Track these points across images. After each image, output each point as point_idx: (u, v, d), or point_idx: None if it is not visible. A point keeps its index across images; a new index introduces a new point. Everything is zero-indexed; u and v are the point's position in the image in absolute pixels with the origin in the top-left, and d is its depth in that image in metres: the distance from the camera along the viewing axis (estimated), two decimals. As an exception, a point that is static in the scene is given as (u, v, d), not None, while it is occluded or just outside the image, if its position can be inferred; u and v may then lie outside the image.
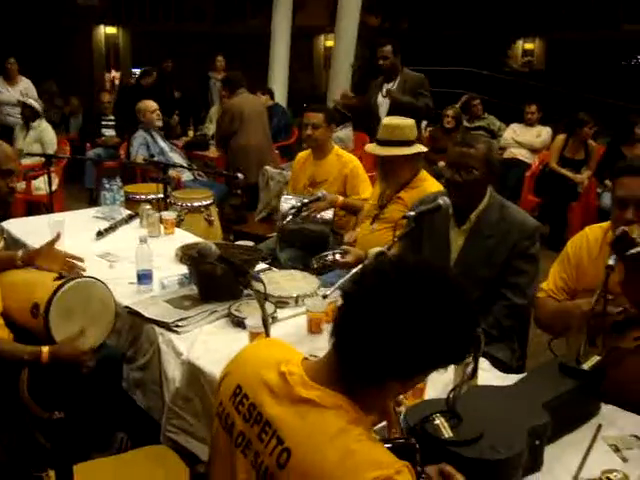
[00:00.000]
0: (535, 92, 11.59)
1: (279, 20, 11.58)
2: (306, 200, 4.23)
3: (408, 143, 3.73)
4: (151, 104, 6.86)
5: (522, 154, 8.03)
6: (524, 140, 8.11)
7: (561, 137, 7.45)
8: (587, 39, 19.10)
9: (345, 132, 6.83)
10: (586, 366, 2.26)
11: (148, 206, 4.41)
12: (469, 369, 1.89)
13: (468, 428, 1.87)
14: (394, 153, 3.70)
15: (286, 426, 1.46)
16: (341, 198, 4.48)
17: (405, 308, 1.39)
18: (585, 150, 7.31)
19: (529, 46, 20.70)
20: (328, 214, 4.45)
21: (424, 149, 3.80)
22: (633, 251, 0.92)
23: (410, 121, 3.79)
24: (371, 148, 3.87)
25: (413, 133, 3.77)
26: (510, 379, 2.44)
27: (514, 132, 8.26)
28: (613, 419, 2.30)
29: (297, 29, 12.46)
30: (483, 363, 2.64)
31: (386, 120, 3.85)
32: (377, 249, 2.77)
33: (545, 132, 8.12)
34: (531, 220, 3.11)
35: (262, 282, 2.31)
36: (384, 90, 6.56)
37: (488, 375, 2.54)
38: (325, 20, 16.50)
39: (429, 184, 3.69)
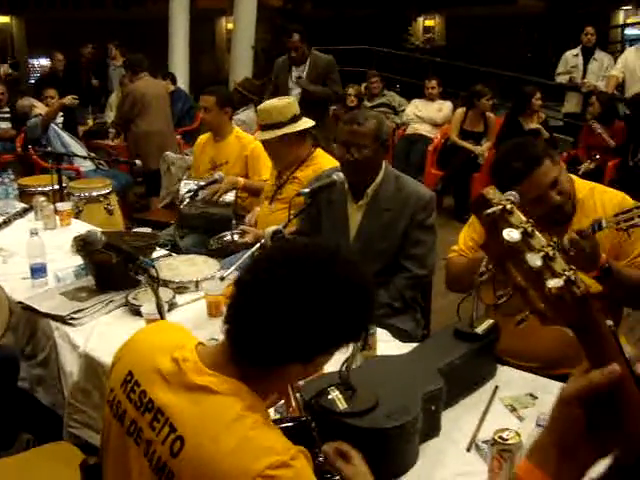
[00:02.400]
0: (436, 68, 11.76)
1: (177, 3, 11.37)
2: (202, 183, 4.17)
3: (284, 123, 3.72)
4: (48, 93, 6.68)
5: (425, 129, 8.13)
6: (426, 115, 8.21)
7: (460, 110, 7.58)
8: (485, 14, 19.47)
9: (247, 114, 6.75)
10: (480, 330, 2.31)
11: (43, 198, 4.27)
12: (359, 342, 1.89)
13: (363, 399, 1.88)
14: (271, 136, 3.72)
15: (179, 414, 1.43)
16: (242, 180, 4.44)
17: (296, 292, 1.39)
18: (484, 122, 7.45)
19: (430, 23, 21.01)
20: (230, 197, 4.41)
21: (308, 125, 3.79)
22: (489, 211, 0.93)
23: (284, 101, 3.79)
24: (257, 134, 3.89)
25: (291, 111, 3.75)
26: (410, 348, 2.47)
27: (416, 108, 8.35)
28: (509, 380, 2.35)
29: (198, 12, 12.28)
30: (383, 335, 2.67)
31: (262, 105, 3.86)
32: (273, 228, 2.75)
33: (446, 106, 8.24)
34: (426, 191, 3.15)
35: (154, 267, 2.27)
36: (293, 76, 6.54)
37: (389, 346, 2.56)
38: (226, 2, 16.33)
39: (324, 161, 3.69)
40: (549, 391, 2.24)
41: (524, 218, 0.94)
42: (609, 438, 0.95)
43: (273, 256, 1.46)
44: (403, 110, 8.60)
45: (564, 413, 0.95)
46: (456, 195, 7.33)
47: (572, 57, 8.31)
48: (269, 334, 1.40)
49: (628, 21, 18.49)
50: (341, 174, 2.98)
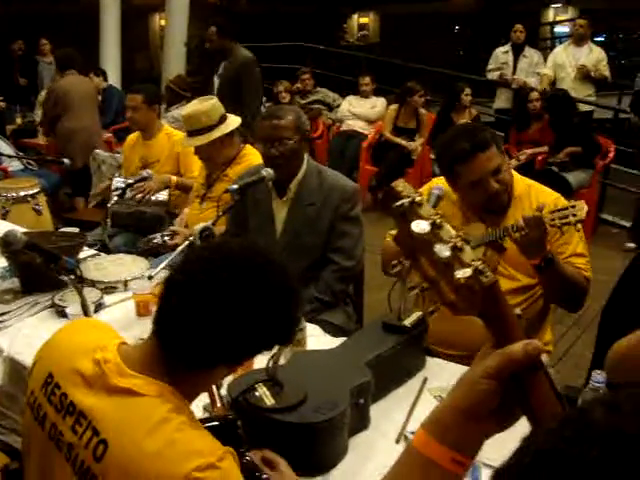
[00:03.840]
0: (371, 64, 11.84)
1: (108, -1, 11.18)
2: (130, 181, 4.11)
3: (213, 126, 3.70)
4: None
5: (359, 125, 8.17)
6: (360, 112, 8.25)
7: (393, 107, 7.65)
8: (419, 12, 19.68)
9: (180, 111, 6.68)
10: (408, 322, 2.33)
11: (-35, 201, 4.15)
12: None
13: (291, 394, 1.88)
14: (202, 142, 3.70)
15: (102, 417, 1.40)
16: (175, 178, 4.40)
17: (233, 296, 1.38)
18: (417, 118, 7.53)
19: (364, 20, 21.13)
20: (162, 195, 4.36)
21: (236, 124, 3.77)
22: (398, 204, 0.94)
23: (209, 103, 3.75)
24: (184, 140, 3.84)
25: (218, 112, 3.73)
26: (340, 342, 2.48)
27: (350, 104, 8.38)
28: (438, 371, 2.38)
29: (132, 8, 12.09)
30: (315, 330, 2.67)
31: (185, 110, 3.81)
32: (202, 225, 2.73)
33: (380, 103, 8.28)
34: (349, 183, 3.17)
35: (77, 267, 2.22)
36: (220, 69, 6.51)
37: (320, 341, 2.57)
38: (162, -2, 16.16)
39: (253, 157, 3.69)
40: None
41: (433, 210, 0.95)
42: (512, 413, 0.98)
43: (211, 257, 1.44)
44: (338, 107, 8.63)
45: (483, 386, 0.95)
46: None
47: (502, 54, 8.46)
48: (201, 337, 1.38)
49: (557, 19, 18.92)
50: (270, 170, 2.98)
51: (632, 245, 6.23)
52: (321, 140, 8.51)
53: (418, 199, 0.95)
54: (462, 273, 0.90)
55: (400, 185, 0.96)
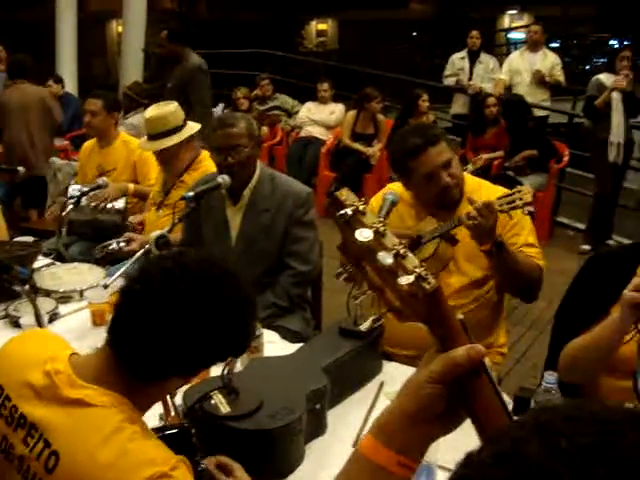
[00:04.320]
0: (329, 71, 11.89)
1: (64, 6, 11.05)
2: (86, 189, 4.08)
3: (175, 130, 3.69)
4: None
5: (318, 132, 8.18)
6: (319, 118, 8.27)
7: (352, 113, 7.67)
8: (377, 18, 19.83)
9: (137, 118, 6.62)
10: (364, 327, 2.34)
11: None
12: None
13: (246, 401, 1.89)
14: (165, 145, 3.68)
15: (54, 429, 1.39)
16: (132, 186, 4.37)
17: (191, 307, 1.39)
18: (375, 124, 7.56)
19: (322, 26, 21.23)
20: (120, 203, 4.32)
21: (196, 129, 3.77)
22: (341, 212, 0.95)
23: (172, 107, 3.75)
24: (143, 144, 3.82)
25: (178, 118, 3.73)
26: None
27: (309, 111, 8.40)
28: (395, 375, 2.40)
29: (89, 14, 11.99)
30: (272, 336, 2.68)
31: (147, 114, 3.78)
32: (157, 232, 2.73)
33: (338, 109, 8.31)
34: (302, 188, 3.19)
35: (30, 277, 2.20)
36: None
37: (277, 347, 2.58)
38: (118, 5, 16.05)
39: (210, 164, 3.67)
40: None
41: (376, 219, 0.97)
42: (458, 416, 0.99)
43: (168, 268, 1.44)
44: (296, 113, 8.64)
45: (428, 391, 0.97)
46: (350, 196, 7.41)
47: (458, 60, 8.55)
48: (156, 347, 1.39)
49: (513, 25, 19.22)
50: (226, 177, 2.98)
51: (587, 247, 6.35)
52: (280, 146, 8.51)
53: (361, 207, 0.96)
54: (405, 280, 0.92)
55: (344, 194, 0.98)
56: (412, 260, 0.94)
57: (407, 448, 0.98)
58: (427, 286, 0.92)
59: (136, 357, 1.41)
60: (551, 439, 0.63)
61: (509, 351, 4.34)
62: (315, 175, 7.79)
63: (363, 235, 0.94)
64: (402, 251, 0.94)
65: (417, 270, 0.93)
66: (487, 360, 0.96)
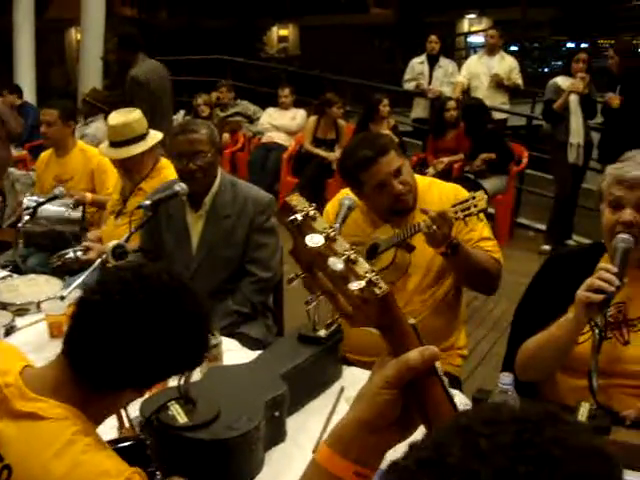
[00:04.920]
0: (291, 76, 11.90)
1: (21, 14, 10.91)
2: (42, 199, 4.01)
3: (141, 137, 3.66)
4: None
5: (280, 137, 8.17)
6: (280, 124, 8.26)
7: (313, 118, 7.67)
8: (339, 23, 19.91)
9: (96, 125, 6.55)
10: (323, 333, 2.33)
11: None
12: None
13: (204, 411, 1.86)
14: (133, 153, 3.64)
15: (6, 442, 1.37)
16: (90, 195, 4.32)
17: (148, 319, 1.38)
18: (336, 129, 7.57)
19: (284, 32, 21.25)
20: (77, 213, 4.26)
21: (159, 137, 3.74)
22: (292, 218, 0.95)
23: (135, 114, 3.71)
24: (106, 151, 3.76)
25: (143, 126, 3.70)
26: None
27: (270, 116, 8.38)
28: (355, 380, 2.38)
29: (47, 22, 11.85)
30: (232, 344, 2.66)
31: (112, 121, 3.72)
32: (114, 242, 2.69)
33: (300, 115, 8.31)
34: (263, 194, 3.18)
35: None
36: None
37: (237, 355, 2.55)
38: (77, 12, 15.91)
39: (169, 172, 3.64)
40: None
41: (327, 224, 0.96)
42: (412, 422, 0.99)
43: (128, 279, 1.43)
44: (258, 119, 8.62)
45: (384, 397, 0.96)
46: (313, 202, 7.39)
47: (418, 64, 8.60)
48: (112, 358, 1.38)
49: (472, 29, 19.41)
50: (183, 185, 2.95)
51: (547, 247, 6.42)
52: (242, 152, 8.48)
53: (312, 213, 0.96)
54: (356, 285, 0.91)
55: (294, 199, 0.97)
56: (363, 265, 0.93)
57: (364, 457, 0.97)
58: (378, 291, 0.92)
59: (92, 368, 1.40)
60: (471, 441, 0.64)
61: (471, 353, 4.40)
62: (278, 181, 7.79)
63: (313, 240, 0.93)
64: (353, 256, 0.93)
65: (368, 275, 0.92)
66: (438, 363, 0.96)
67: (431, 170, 6.94)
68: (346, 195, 2.74)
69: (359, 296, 0.92)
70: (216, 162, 3.09)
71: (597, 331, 1.98)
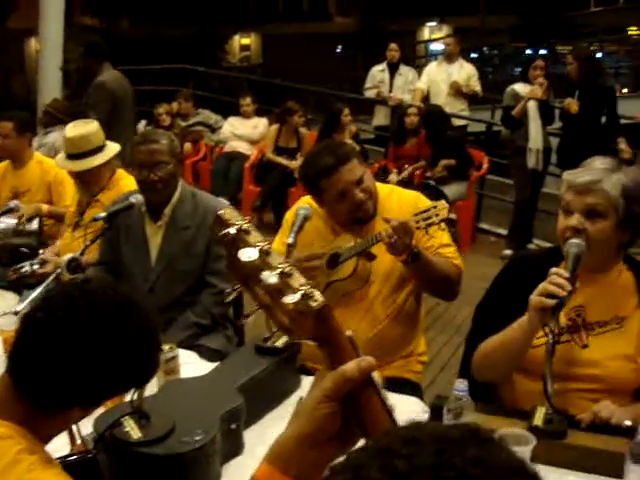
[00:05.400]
0: (254, 85, 11.90)
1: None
2: (-6, 213, 3.97)
3: (99, 149, 3.62)
4: None
5: (242, 146, 8.16)
6: (242, 133, 8.25)
7: (274, 127, 7.68)
8: (301, 32, 19.95)
9: (55, 135, 6.47)
10: (280, 343, 2.33)
11: None
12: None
13: (158, 425, 1.84)
14: (91, 165, 3.59)
15: None
16: (46, 207, 4.28)
17: (93, 336, 1.36)
18: (297, 138, 7.58)
19: (245, 41, 21.24)
20: (33, 225, 4.21)
21: (117, 149, 3.71)
22: (224, 232, 0.95)
23: (93, 126, 3.67)
24: (62, 163, 3.72)
25: (100, 137, 3.66)
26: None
27: (232, 125, 8.37)
28: (314, 390, 2.39)
29: (7, 32, 11.71)
30: (190, 356, 2.64)
31: (69, 133, 3.66)
32: (69, 256, 2.67)
33: (262, 123, 8.31)
34: (224, 205, 3.17)
35: None
36: None
37: (196, 367, 2.53)
38: (37, 22, 15.76)
39: (126, 183, 3.62)
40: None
41: (261, 237, 0.96)
42: (352, 435, 0.99)
43: (71, 294, 1.41)
44: (220, 128, 8.60)
45: (323, 410, 0.95)
46: (275, 210, 7.41)
47: (378, 72, 8.65)
48: (57, 375, 1.35)
49: (432, 37, 19.58)
50: (139, 196, 2.93)
51: (509, 252, 6.48)
52: (204, 162, 8.45)
53: (246, 227, 0.95)
54: (290, 299, 0.91)
55: (227, 213, 0.97)
56: (298, 278, 0.93)
57: (304, 473, 0.97)
58: (314, 304, 0.92)
59: (36, 387, 1.37)
60: (390, 463, 0.63)
61: (434, 359, 4.42)
62: (240, 190, 7.78)
63: (247, 255, 0.93)
64: (287, 269, 0.93)
65: (303, 288, 0.92)
66: (376, 375, 0.96)
67: (393, 177, 6.98)
68: (303, 205, 2.74)
69: (295, 309, 0.92)
70: (177, 173, 3.08)
71: (550, 336, 2.00)
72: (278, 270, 0.92)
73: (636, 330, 2.16)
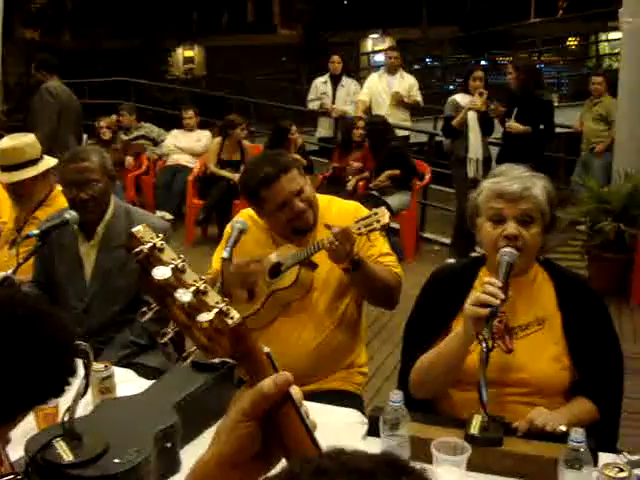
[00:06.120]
0: (198, 98, 11.86)
1: None
2: None
3: (33, 162, 3.56)
4: None
5: (185, 159, 8.10)
6: (185, 145, 8.20)
7: (217, 140, 7.64)
8: (246, 44, 19.94)
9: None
10: (217, 359, 2.30)
11: None
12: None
13: (91, 446, 1.81)
14: (22, 177, 3.52)
15: None
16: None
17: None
18: (241, 150, 7.55)
19: (189, 53, 21.14)
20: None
21: (53, 163, 3.65)
22: (137, 250, 0.93)
23: (29, 138, 3.62)
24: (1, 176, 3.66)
25: (35, 150, 3.60)
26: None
27: (175, 138, 8.32)
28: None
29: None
30: (127, 374, 2.60)
31: (2, 144, 3.61)
32: (2, 274, 2.61)
33: (205, 136, 8.27)
34: (158, 221, 3.16)
35: None
36: None
37: (134, 385, 2.49)
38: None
39: (64, 200, 3.56)
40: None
41: (175, 254, 0.95)
42: (274, 454, 0.98)
43: None
44: (163, 141, 8.54)
45: (242, 430, 0.94)
46: (220, 223, 7.38)
47: (321, 84, 8.69)
48: None
49: (376, 48, 19.77)
50: (74, 212, 2.88)
51: (452, 261, 6.54)
52: (147, 176, 8.35)
53: (159, 244, 0.94)
54: (203, 317, 0.90)
55: (141, 231, 0.95)
56: (213, 296, 0.92)
57: None
58: (230, 321, 0.91)
59: None
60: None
61: (378, 370, 4.44)
62: (184, 203, 7.72)
63: (160, 273, 0.92)
64: (202, 287, 0.92)
65: (218, 306, 0.91)
66: (294, 393, 0.95)
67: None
68: (238, 219, 2.73)
69: (211, 327, 0.91)
70: (108, 190, 3.03)
71: (484, 344, 2.02)
72: (193, 288, 0.91)
73: (559, 330, 2.21)
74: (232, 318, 0.91)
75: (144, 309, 0.98)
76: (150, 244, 0.93)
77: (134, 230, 0.95)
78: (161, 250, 0.94)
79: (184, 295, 0.90)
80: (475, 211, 2.24)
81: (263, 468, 0.98)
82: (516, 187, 2.14)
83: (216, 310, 0.90)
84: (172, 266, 0.93)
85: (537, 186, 2.17)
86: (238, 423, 0.95)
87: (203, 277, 0.93)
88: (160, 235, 0.95)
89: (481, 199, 2.21)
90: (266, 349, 0.97)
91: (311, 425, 0.95)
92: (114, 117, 8.45)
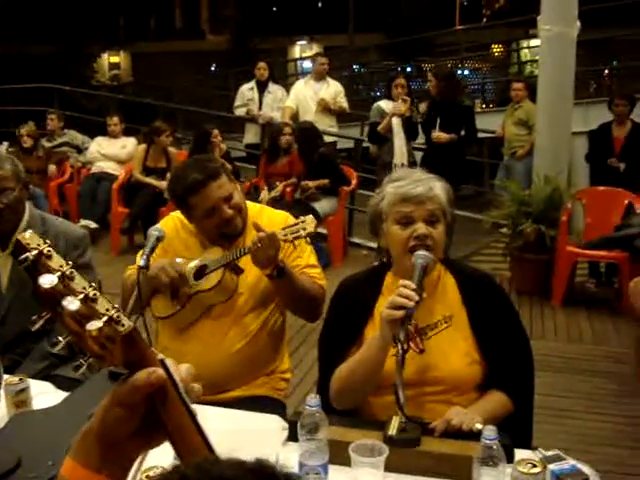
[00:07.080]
0: (123, 104, 11.69)
1: None
2: None
3: None
4: None
5: (110, 167, 7.98)
6: (110, 153, 8.08)
7: (142, 147, 7.54)
8: (173, 50, 19.77)
9: None
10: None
11: None
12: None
13: (3, 460, 1.76)
14: None
15: None
16: None
17: None
18: (166, 157, 7.47)
19: (115, 59, 20.83)
20: None
21: None
22: (23, 257, 0.92)
23: None
24: None
25: None
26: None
27: (99, 145, 8.19)
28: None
29: None
30: (45, 386, 2.53)
31: None
32: None
33: (130, 143, 8.16)
34: (75, 229, 3.09)
35: None
36: None
37: (53, 397, 2.42)
38: None
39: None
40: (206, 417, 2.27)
41: (63, 261, 0.93)
42: (154, 436, 1.00)
43: None
44: (87, 148, 8.39)
45: (111, 414, 0.98)
46: (145, 232, 7.27)
47: (248, 90, 8.68)
48: None
49: (303, 55, 19.85)
50: None
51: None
52: (70, 184, 8.19)
53: (47, 251, 0.92)
54: (93, 325, 0.89)
55: (27, 236, 0.93)
56: (103, 303, 0.90)
57: (106, 467, 0.98)
58: (121, 329, 0.90)
59: None
60: None
61: (305, 376, 4.44)
62: (109, 212, 7.60)
63: (47, 280, 0.90)
64: (92, 294, 0.90)
65: (109, 313, 0.90)
66: (181, 385, 0.96)
67: (264, 195, 7.00)
68: (155, 226, 2.72)
69: (102, 335, 0.90)
70: (23, 198, 2.95)
71: (399, 347, 2.04)
72: (81, 296, 0.90)
73: (466, 326, 2.26)
74: (123, 325, 0.90)
75: (34, 318, 0.95)
76: (36, 251, 0.91)
77: (19, 236, 0.93)
78: (49, 257, 0.92)
79: (71, 303, 0.89)
80: (379, 217, 2.27)
81: (144, 446, 1.02)
82: (420, 189, 2.19)
83: (106, 317, 0.89)
84: (59, 273, 0.91)
85: (437, 187, 2.23)
86: (110, 407, 0.99)
87: (93, 284, 0.91)
88: (47, 242, 0.93)
89: (386, 204, 2.24)
90: (160, 356, 0.96)
91: (194, 412, 0.97)
92: (32, 125, 8.22)
